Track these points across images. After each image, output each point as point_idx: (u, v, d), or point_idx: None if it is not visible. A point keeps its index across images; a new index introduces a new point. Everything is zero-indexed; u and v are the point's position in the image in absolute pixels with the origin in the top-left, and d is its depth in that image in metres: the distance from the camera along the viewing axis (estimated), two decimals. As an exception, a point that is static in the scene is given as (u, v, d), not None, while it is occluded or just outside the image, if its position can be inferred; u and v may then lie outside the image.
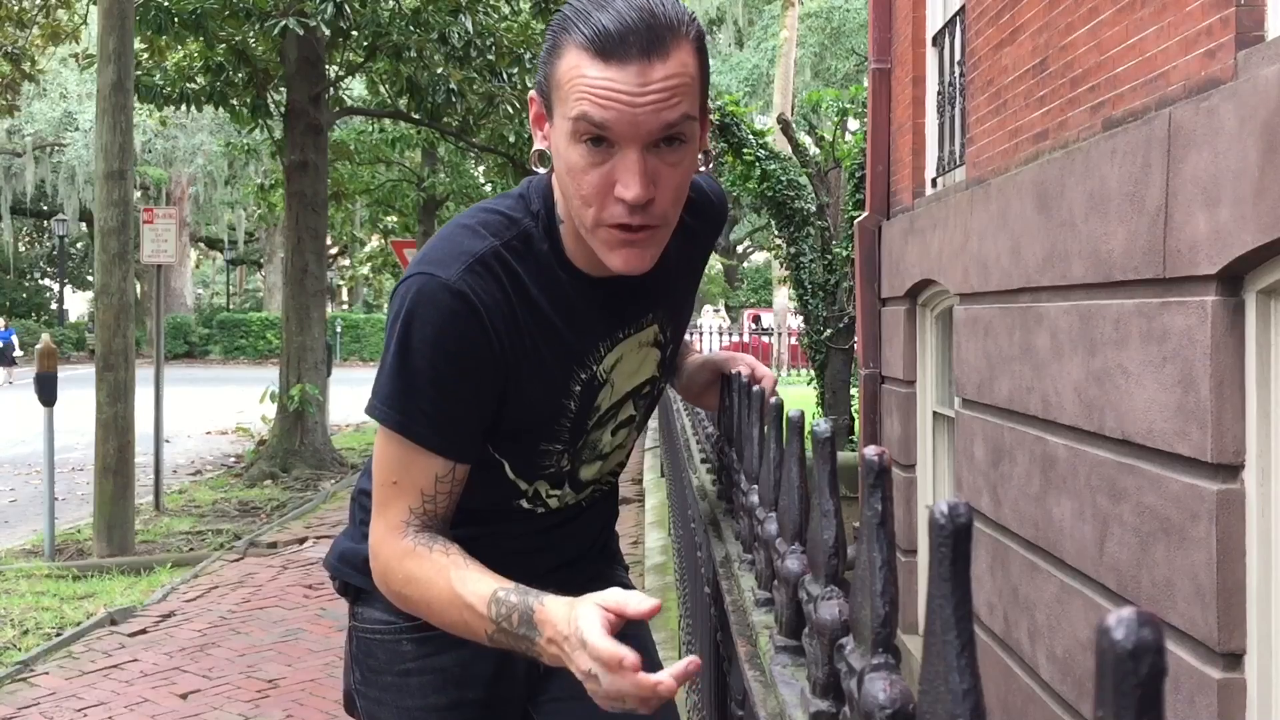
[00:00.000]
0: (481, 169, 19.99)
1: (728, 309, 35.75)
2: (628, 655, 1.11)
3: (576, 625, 1.15)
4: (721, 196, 1.61)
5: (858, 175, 8.07)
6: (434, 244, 1.34)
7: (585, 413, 1.43)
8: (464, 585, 1.28)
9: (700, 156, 1.35)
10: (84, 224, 33.77)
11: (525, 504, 1.49)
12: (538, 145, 1.32)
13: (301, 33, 9.49)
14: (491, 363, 1.31)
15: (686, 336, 1.69)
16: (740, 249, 41.87)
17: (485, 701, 1.56)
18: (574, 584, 1.51)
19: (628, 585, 1.73)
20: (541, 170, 1.34)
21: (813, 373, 9.96)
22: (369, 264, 26.47)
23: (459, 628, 1.31)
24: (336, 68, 11.85)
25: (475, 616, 1.26)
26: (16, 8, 11.87)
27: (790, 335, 22.80)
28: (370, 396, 1.35)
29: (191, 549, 7.41)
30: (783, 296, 25.02)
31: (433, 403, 1.29)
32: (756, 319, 27.87)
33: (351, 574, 1.57)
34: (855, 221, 6.70)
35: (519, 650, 1.26)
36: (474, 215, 1.37)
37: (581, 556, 1.62)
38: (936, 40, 5.51)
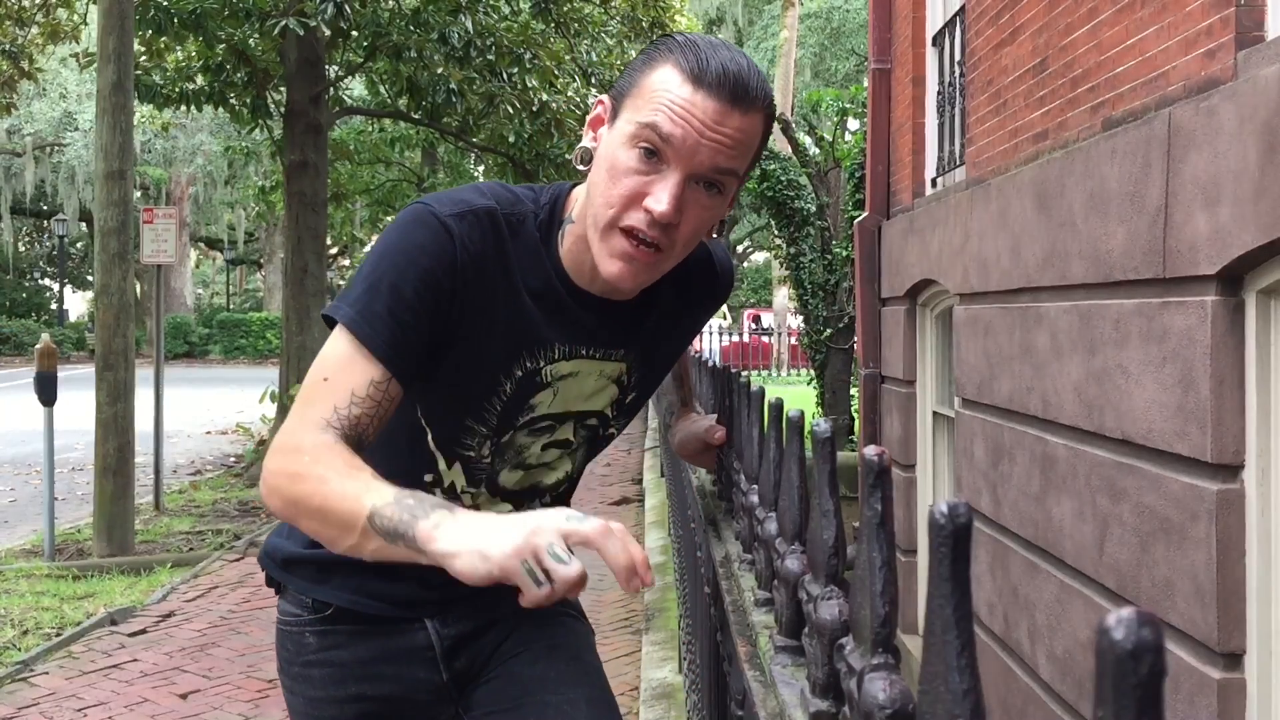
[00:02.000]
0: (481, 169, 19.99)
1: (728, 308, 35.76)
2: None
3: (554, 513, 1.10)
4: (728, 268, 1.64)
5: (858, 175, 8.07)
6: (441, 191, 1.42)
7: (518, 405, 1.44)
8: (377, 477, 1.20)
9: (716, 225, 1.41)
10: (84, 224, 33.76)
11: (440, 495, 1.48)
12: (585, 143, 1.37)
13: (301, 33, 9.48)
14: (451, 298, 1.34)
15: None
16: (740, 249, 41.88)
17: (386, 699, 1.60)
18: (489, 598, 1.41)
19: (570, 601, 1.69)
20: (584, 167, 1.38)
21: (813, 373, 9.97)
22: (369, 264, 26.41)
23: (349, 493, 1.18)
24: (336, 68, 11.85)
25: (374, 490, 1.16)
26: (16, 6, 11.87)
27: (790, 335, 22.80)
28: (335, 299, 1.36)
29: (191, 549, 7.40)
30: (783, 296, 25.02)
31: (388, 308, 1.30)
32: (756, 319, 27.86)
33: (273, 567, 1.64)
34: (855, 221, 6.70)
35: (395, 530, 1.13)
36: (487, 184, 1.44)
37: None
38: (936, 40, 5.51)
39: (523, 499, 1.56)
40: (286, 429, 1.29)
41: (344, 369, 1.29)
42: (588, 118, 1.40)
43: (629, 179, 1.28)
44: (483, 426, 1.45)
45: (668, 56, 1.29)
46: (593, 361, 1.46)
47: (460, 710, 1.62)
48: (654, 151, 1.27)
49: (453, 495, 1.50)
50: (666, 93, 1.26)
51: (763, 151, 1.36)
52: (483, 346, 1.39)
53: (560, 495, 1.63)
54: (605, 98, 1.36)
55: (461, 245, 1.33)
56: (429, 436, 1.46)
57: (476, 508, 1.51)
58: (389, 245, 1.33)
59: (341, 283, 38.72)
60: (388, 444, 1.39)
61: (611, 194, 1.29)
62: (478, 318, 1.37)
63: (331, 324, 1.33)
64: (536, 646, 1.62)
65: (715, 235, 1.46)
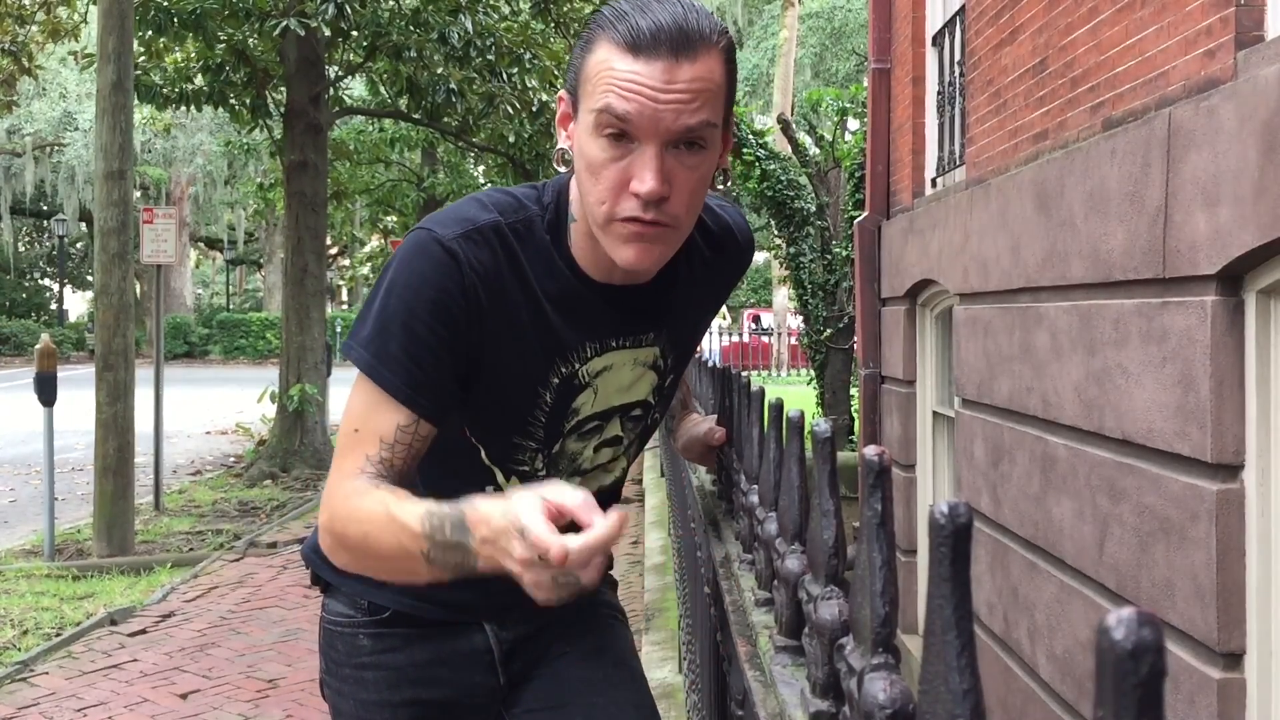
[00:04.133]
0: (481, 169, 19.99)
1: (728, 309, 35.74)
2: (560, 544, 1.07)
3: (514, 515, 1.11)
4: (748, 236, 1.60)
5: (858, 175, 8.07)
6: (444, 209, 1.38)
7: (561, 413, 1.42)
8: (399, 508, 1.25)
9: (719, 175, 1.36)
10: (84, 224, 33.73)
11: None
12: (560, 144, 1.33)
13: (302, 33, 9.49)
14: (468, 324, 1.31)
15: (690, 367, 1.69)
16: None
17: (442, 703, 1.58)
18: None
19: (615, 604, 1.73)
20: (563, 169, 1.35)
21: (813, 373, 9.97)
22: (369, 264, 26.49)
23: (399, 558, 1.25)
24: (336, 68, 11.85)
25: (410, 536, 1.22)
26: (16, 4, 11.87)
27: (790, 335, 22.80)
28: (348, 337, 1.35)
29: (191, 549, 7.41)
30: (783, 296, 25.03)
31: (403, 348, 1.29)
32: (756, 319, 27.87)
33: (321, 566, 1.61)
34: (855, 221, 6.70)
35: (457, 568, 1.20)
36: (487, 194, 1.40)
37: None
38: (936, 40, 5.51)
39: None
40: (328, 487, 1.34)
41: (370, 417, 1.31)
42: (557, 116, 1.36)
43: (607, 170, 1.24)
44: (531, 441, 1.43)
45: (600, 33, 1.24)
46: (624, 351, 1.44)
47: (502, 709, 1.60)
48: (620, 133, 1.22)
49: None
50: (609, 71, 1.21)
51: (735, 84, 1.30)
52: (516, 362, 1.37)
53: (614, 492, 1.62)
54: (564, 93, 1.32)
55: (469, 267, 1.30)
56: (482, 453, 1.44)
57: None
58: (395, 281, 1.30)
59: (341, 283, 38.70)
60: (445, 463, 1.40)
61: (598, 189, 1.25)
62: (504, 335, 1.34)
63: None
64: (583, 648, 1.61)
65: (720, 187, 1.42)
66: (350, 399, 1.34)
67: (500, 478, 1.46)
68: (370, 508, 1.27)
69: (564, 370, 1.40)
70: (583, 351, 1.41)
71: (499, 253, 1.33)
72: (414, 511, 1.22)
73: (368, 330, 1.31)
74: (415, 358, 1.29)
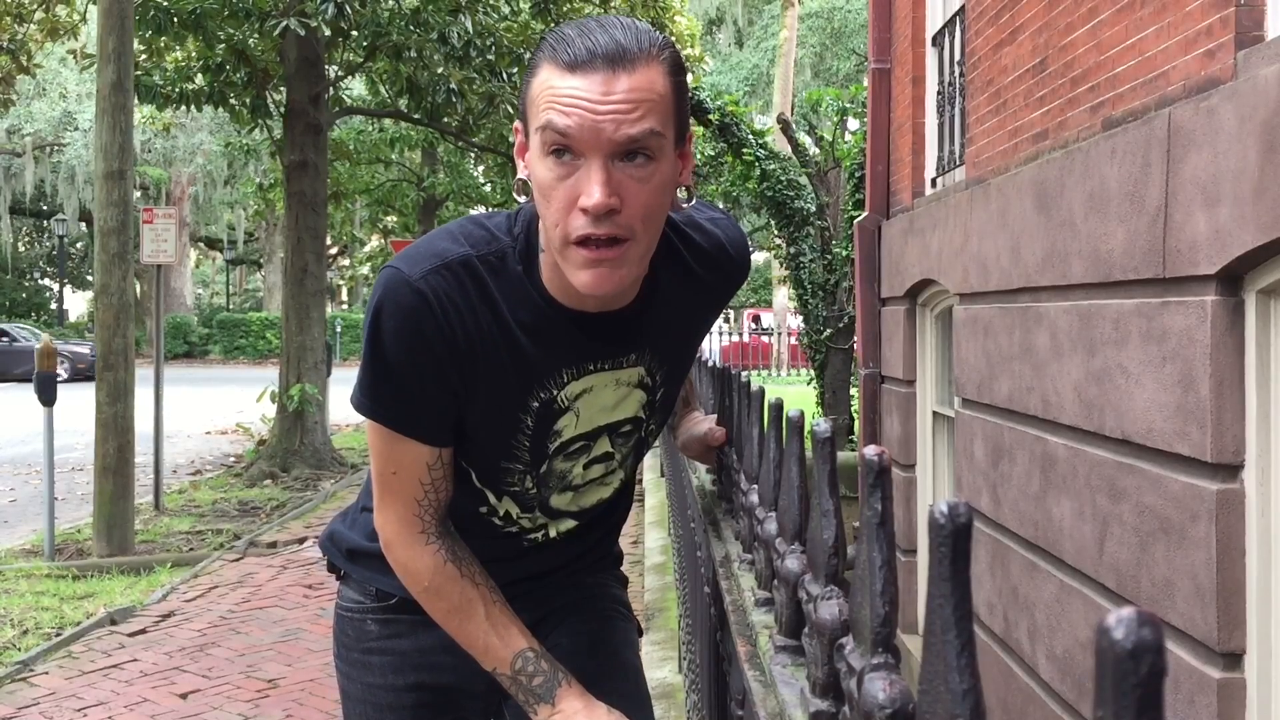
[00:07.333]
0: (481, 169, 20.00)
1: (728, 308, 35.73)
2: None
3: None
4: (743, 251, 1.58)
5: (858, 175, 8.08)
6: (416, 243, 1.41)
7: (544, 436, 1.44)
8: (501, 624, 1.43)
9: (682, 193, 1.36)
10: (84, 224, 33.73)
11: (498, 521, 1.53)
12: (520, 174, 1.33)
13: (302, 33, 9.49)
14: (449, 359, 1.35)
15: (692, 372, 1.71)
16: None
17: (444, 688, 1.63)
18: (546, 592, 1.62)
19: (621, 599, 1.75)
20: (523, 199, 1.35)
21: (813, 373, 9.97)
22: (369, 264, 26.51)
23: (468, 639, 1.44)
24: (336, 68, 11.85)
25: (498, 656, 1.42)
26: (15, 2, 11.87)
27: (790, 335, 22.80)
28: (353, 389, 1.42)
29: (191, 549, 7.41)
30: (783, 296, 25.03)
31: (400, 390, 1.36)
32: (756, 319, 27.86)
33: (337, 555, 1.68)
34: (855, 221, 6.70)
35: (511, 693, 1.43)
36: (460, 225, 1.41)
37: (559, 568, 1.65)
38: (936, 40, 5.51)
39: (583, 515, 1.58)
40: (386, 527, 1.45)
41: (401, 459, 1.41)
42: (514, 149, 1.37)
43: (557, 190, 1.23)
44: (518, 464, 1.46)
45: (541, 59, 1.26)
46: (604, 373, 1.44)
47: (501, 698, 1.62)
48: (563, 150, 1.22)
49: (510, 521, 1.53)
50: (549, 90, 1.23)
51: (685, 99, 1.30)
52: (494, 391, 1.39)
53: (616, 503, 1.64)
54: (518, 124, 1.33)
55: (438, 301, 1.32)
56: (473, 476, 1.48)
57: (541, 528, 1.56)
58: (374, 331, 1.35)
59: (341, 283, 38.69)
60: None
61: (552, 212, 1.25)
62: (480, 366, 1.36)
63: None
64: (580, 640, 1.63)
65: (687, 202, 1.41)
66: (371, 441, 1.43)
67: (491, 498, 1.50)
68: (464, 598, 1.43)
69: (542, 395, 1.41)
70: (559, 378, 1.41)
71: (469, 286, 1.34)
72: (515, 642, 1.43)
73: (364, 377, 1.38)
74: (413, 401, 1.37)
